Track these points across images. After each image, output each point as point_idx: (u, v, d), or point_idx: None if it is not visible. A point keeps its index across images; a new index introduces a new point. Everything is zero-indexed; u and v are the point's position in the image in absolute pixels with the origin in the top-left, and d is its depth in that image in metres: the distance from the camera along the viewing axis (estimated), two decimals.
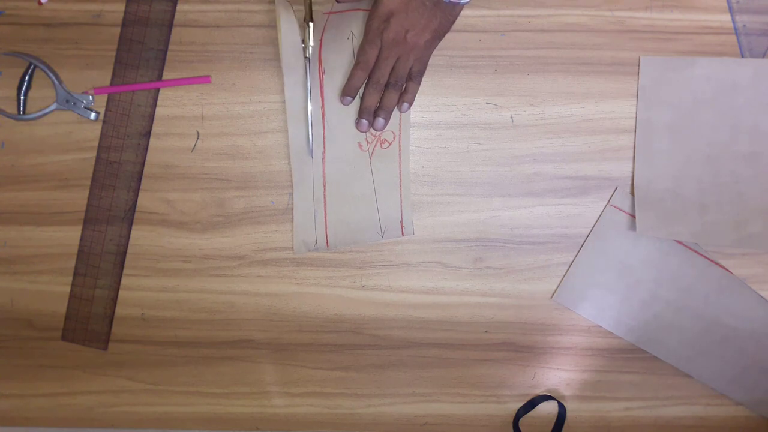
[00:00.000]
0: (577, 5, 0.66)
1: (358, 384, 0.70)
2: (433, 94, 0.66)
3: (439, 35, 0.62)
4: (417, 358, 0.70)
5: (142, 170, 0.66)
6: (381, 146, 0.66)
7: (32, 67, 0.64)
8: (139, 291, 0.68)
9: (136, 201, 0.67)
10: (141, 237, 0.67)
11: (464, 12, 0.65)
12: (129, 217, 0.67)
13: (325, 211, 0.67)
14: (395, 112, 0.66)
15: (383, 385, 0.71)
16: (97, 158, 0.66)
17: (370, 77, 0.64)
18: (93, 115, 0.65)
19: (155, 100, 0.65)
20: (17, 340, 0.69)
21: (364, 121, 0.66)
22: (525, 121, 0.67)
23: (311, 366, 0.70)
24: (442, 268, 0.69)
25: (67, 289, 0.68)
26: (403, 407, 0.71)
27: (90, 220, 0.67)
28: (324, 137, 0.65)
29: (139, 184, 0.67)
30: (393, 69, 0.63)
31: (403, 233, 0.68)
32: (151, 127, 0.66)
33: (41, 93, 0.65)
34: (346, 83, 0.65)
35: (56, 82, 0.64)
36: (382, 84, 0.64)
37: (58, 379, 0.70)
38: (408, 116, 0.66)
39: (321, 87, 0.64)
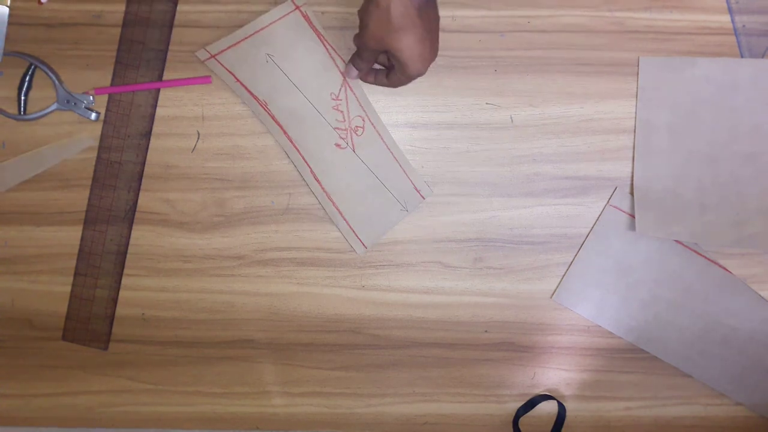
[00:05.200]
0: (577, 6, 0.66)
1: (358, 384, 0.70)
2: (433, 95, 0.66)
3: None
4: (417, 358, 0.70)
5: (143, 170, 0.67)
6: (356, 134, 0.66)
7: (33, 67, 0.64)
8: (139, 291, 0.68)
9: (136, 201, 0.67)
10: (141, 237, 0.68)
11: (464, 13, 0.65)
12: (129, 217, 0.67)
13: (345, 220, 0.67)
14: (355, 97, 0.65)
15: (383, 384, 0.71)
16: (98, 158, 0.66)
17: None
18: (93, 116, 0.65)
19: (156, 100, 0.66)
20: (17, 340, 0.70)
21: (351, 66, 0.63)
22: (525, 122, 0.67)
23: (311, 366, 0.70)
24: (442, 268, 0.69)
25: (68, 289, 0.68)
26: (403, 407, 0.71)
27: (90, 220, 0.67)
28: (308, 163, 0.65)
29: (140, 184, 0.67)
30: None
31: (423, 197, 0.67)
32: (151, 127, 0.66)
33: (42, 93, 0.65)
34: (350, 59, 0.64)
35: (56, 82, 0.64)
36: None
37: (58, 379, 0.70)
38: (364, 94, 0.66)
39: (276, 121, 0.64)
